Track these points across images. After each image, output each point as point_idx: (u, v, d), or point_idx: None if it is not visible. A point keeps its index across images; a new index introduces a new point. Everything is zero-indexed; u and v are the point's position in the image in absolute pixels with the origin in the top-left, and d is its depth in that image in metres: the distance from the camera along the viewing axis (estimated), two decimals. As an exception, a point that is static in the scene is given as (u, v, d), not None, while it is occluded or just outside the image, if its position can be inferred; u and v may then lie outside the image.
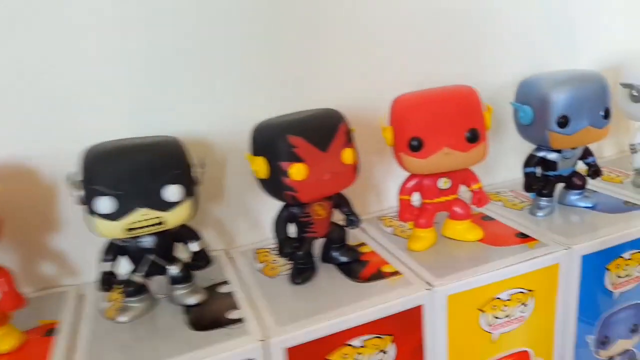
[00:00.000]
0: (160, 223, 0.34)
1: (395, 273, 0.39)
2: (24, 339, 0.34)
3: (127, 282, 0.37)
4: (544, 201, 0.46)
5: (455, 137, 0.38)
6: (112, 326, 0.36)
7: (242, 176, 0.45)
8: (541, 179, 0.46)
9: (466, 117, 0.38)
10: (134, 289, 0.37)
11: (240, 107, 0.44)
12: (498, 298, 0.39)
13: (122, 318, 0.36)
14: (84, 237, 0.42)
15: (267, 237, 0.48)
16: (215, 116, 0.44)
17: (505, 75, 0.51)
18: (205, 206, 0.45)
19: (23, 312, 0.35)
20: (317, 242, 0.41)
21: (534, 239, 0.42)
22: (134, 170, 0.33)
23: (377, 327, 0.35)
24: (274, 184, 0.37)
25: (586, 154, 0.46)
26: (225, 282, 0.40)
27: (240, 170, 0.45)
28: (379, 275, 0.39)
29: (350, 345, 0.35)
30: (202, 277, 0.40)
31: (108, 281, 0.36)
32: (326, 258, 0.42)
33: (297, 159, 0.35)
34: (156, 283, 0.38)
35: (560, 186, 0.47)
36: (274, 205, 0.39)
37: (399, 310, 0.35)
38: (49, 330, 0.36)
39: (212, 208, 0.46)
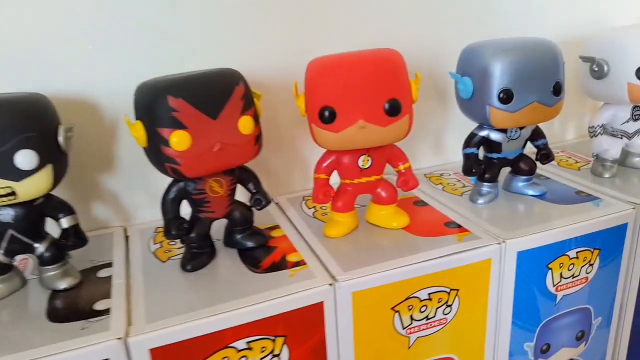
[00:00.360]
0: (11, 194, 0.29)
1: (300, 263, 0.34)
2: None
3: (-11, 260, 0.32)
4: (485, 187, 0.41)
5: (372, 109, 0.33)
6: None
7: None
8: (483, 162, 0.41)
9: (386, 86, 0.33)
10: (-4, 268, 0.32)
11: (135, 63, 0.38)
12: (415, 297, 0.34)
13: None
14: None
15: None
16: (108, 73, 0.38)
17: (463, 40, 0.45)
18: (97, 177, 0.40)
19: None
20: (220, 224, 0.36)
21: (464, 230, 0.37)
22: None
23: (266, 327, 0.30)
24: (154, 154, 0.31)
25: (536, 135, 0.41)
26: (108, 265, 0.35)
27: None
28: (280, 265, 0.34)
29: (232, 347, 0.30)
30: (83, 257, 0.35)
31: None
32: (229, 242, 0.37)
33: (178, 125, 0.30)
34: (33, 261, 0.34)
35: (505, 171, 0.42)
36: None
37: (293, 307, 0.31)
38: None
39: (106, 179, 0.40)
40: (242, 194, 0.36)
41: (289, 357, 0.31)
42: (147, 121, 0.31)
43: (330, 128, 0.33)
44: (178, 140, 0.30)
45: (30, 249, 0.32)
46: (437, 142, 0.50)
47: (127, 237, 0.39)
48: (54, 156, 0.30)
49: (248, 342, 0.30)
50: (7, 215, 0.31)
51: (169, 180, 0.34)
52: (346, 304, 0.32)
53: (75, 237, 0.33)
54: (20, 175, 0.29)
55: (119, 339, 0.27)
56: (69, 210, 0.33)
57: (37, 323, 0.29)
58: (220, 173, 0.34)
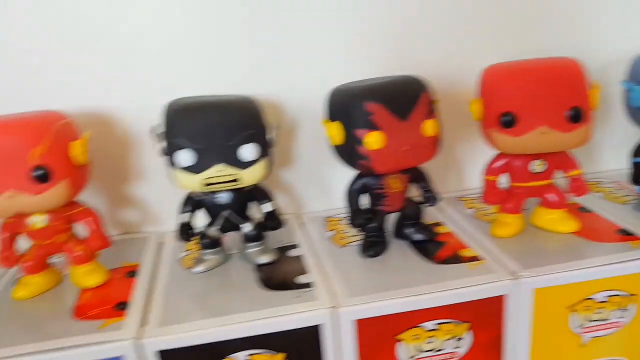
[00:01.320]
0: (235, 180, 0.34)
1: (475, 258, 0.36)
2: (108, 277, 0.37)
3: (203, 235, 0.38)
4: (654, 196, 0.41)
5: (554, 115, 0.34)
6: (187, 275, 0.37)
7: (317, 141, 0.45)
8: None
9: (569, 94, 0.34)
10: (209, 242, 0.38)
11: (316, 70, 0.43)
12: (591, 299, 0.35)
13: (197, 269, 0.37)
14: (166, 187, 0.44)
15: (338, 206, 0.47)
16: (290, 78, 0.43)
17: (616, 50, 0.45)
18: (278, 170, 0.46)
19: (108, 253, 0.38)
20: (391, 217, 0.39)
21: (638, 238, 0.37)
22: (212, 127, 0.34)
23: (453, 312, 0.33)
24: (348, 152, 0.35)
25: None
26: (294, 246, 0.40)
27: (314, 135, 0.45)
28: (456, 259, 0.36)
29: (422, 327, 0.33)
30: (272, 238, 0.41)
31: (185, 232, 0.37)
32: (399, 234, 0.40)
33: (373, 127, 0.34)
34: (230, 239, 0.39)
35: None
36: (348, 174, 0.37)
37: (478, 297, 0.33)
38: (131, 272, 0.38)
39: (284, 172, 0.46)
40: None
41: (471, 342, 0.34)
42: (344, 122, 0.35)
43: (511, 132, 0.35)
44: (372, 141, 0.34)
45: (238, 228, 0.38)
46: (590, 152, 0.50)
47: (301, 224, 0.44)
48: (267, 150, 0.36)
49: (437, 324, 0.33)
50: (225, 198, 0.37)
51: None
52: (527, 300, 0.34)
53: (275, 220, 0.38)
54: (244, 165, 0.34)
55: (332, 307, 0.32)
56: (270, 197, 0.38)
57: (255, 290, 0.34)
58: (400, 171, 0.37)
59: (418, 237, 0.39)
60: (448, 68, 0.44)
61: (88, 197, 0.39)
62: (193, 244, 0.42)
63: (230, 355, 0.31)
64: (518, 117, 0.35)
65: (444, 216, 0.44)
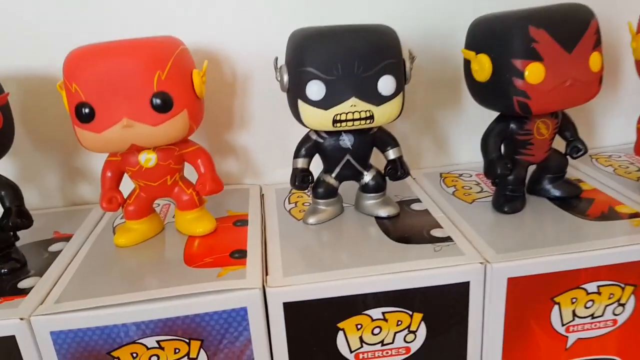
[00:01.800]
0: (369, 118, 0.30)
1: (637, 215, 0.31)
2: (216, 225, 0.33)
3: (317, 183, 0.34)
4: None
5: None
6: (300, 227, 0.34)
7: (431, 88, 0.41)
8: None
9: None
10: (324, 191, 0.34)
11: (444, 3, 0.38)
12: None
13: (311, 219, 0.34)
14: (269, 138, 0.40)
15: (453, 162, 0.43)
16: (415, 13, 0.39)
17: None
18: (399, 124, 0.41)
19: (211, 202, 0.35)
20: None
21: None
22: (349, 55, 0.29)
23: (617, 274, 0.28)
24: (498, 88, 0.31)
25: None
26: (417, 200, 0.36)
27: (429, 80, 0.40)
28: (613, 215, 0.32)
29: (583, 288, 0.29)
30: (389, 192, 0.37)
31: (303, 179, 0.33)
32: (535, 190, 0.35)
33: (537, 56, 0.29)
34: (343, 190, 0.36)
35: None
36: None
37: (647, 258, 0.28)
38: (239, 221, 0.35)
39: (395, 122, 0.42)
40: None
41: (634, 307, 0.29)
42: (498, 52, 0.30)
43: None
44: (533, 73, 0.29)
45: (358, 176, 0.34)
46: None
47: (414, 179, 0.40)
48: (402, 85, 0.31)
49: (598, 286, 0.29)
50: (348, 141, 0.33)
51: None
52: None
53: (401, 168, 0.34)
54: (381, 100, 0.30)
55: (482, 264, 0.28)
56: (395, 143, 0.34)
57: (383, 243, 0.31)
58: (548, 115, 0.33)
59: (557, 193, 0.35)
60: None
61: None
62: (298, 196, 0.38)
63: (365, 312, 0.27)
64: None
65: (581, 173, 0.39)
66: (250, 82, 0.39)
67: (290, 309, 0.27)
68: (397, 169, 0.33)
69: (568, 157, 0.35)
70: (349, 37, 0.30)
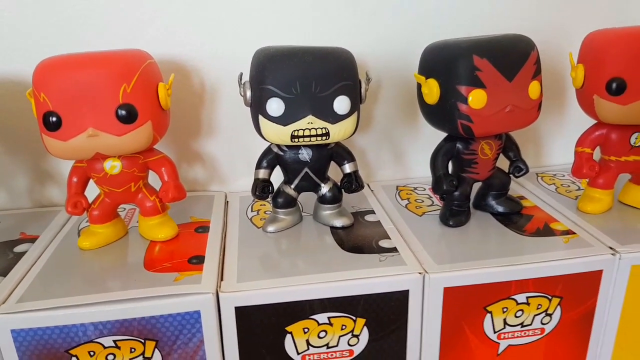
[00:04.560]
0: (325, 134, 0.33)
1: (568, 232, 0.34)
2: (178, 231, 0.35)
3: (278, 193, 0.36)
4: None
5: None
6: (259, 234, 0.36)
7: (391, 105, 0.43)
8: None
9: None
10: (284, 201, 0.36)
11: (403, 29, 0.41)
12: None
13: (270, 228, 0.36)
14: (235, 146, 0.42)
15: (409, 175, 0.46)
16: (375, 36, 0.41)
17: None
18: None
19: (175, 208, 0.36)
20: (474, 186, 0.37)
21: None
22: (307, 76, 0.32)
23: (546, 286, 0.31)
24: (445, 112, 0.33)
25: None
26: (371, 212, 0.38)
27: (389, 98, 0.43)
28: (548, 232, 0.34)
29: (514, 299, 0.31)
30: (346, 203, 0.39)
31: (263, 189, 0.35)
32: (479, 205, 0.38)
33: (479, 84, 0.32)
34: (303, 200, 0.38)
35: None
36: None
37: (574, 271, 0.31)
38: (200, 228, 0.36)
39: (356, 137, 0.44)
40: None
41: (560, 318, 0.32)
42: (445, 78, 0.33)
43: (618, 100, 0.33)
44: (476, 98, 0.32)
45: (316, 188, 0.36)
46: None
47: (372, 191, 0.42)
48: (358, 105, 0.34)
49: (527, 297, 0.31)
50: (307, 154, 0.35)
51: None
52: (624, 276, 0.32)
53: (356, 182, 0.36)
54: (336, 118, 0.32)
55: (420, 273, 0.30)
56: (352, 157, 0.36)
57: (334, 252, 0.33)
58: (492, 136, 0.35)
59: (501, 209, 0.37)
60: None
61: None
62: (261, 205, 0.40)
63: (311, 317, 0.29)
64: (628, 84, 0.33)
65: (525, 190, 0.41)
66: (219, 93, 0.41)
67: (242, 313, 0.28)
68: (352, 183, 0.36)
69: (511, 175, 0.37)
70: (308, 58, 0.32)
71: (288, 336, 0.29)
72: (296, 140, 0.32)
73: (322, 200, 0.36)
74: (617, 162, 0.36)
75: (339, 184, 0.36)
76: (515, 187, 0.42)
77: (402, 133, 0.44)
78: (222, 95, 0.41)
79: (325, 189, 0.36)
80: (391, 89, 0.42)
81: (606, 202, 0.37)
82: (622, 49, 0.33)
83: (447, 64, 0.33)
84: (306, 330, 0.29)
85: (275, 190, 0.36)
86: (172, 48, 0.39)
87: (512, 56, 0.32)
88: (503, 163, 0.37)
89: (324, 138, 0.33)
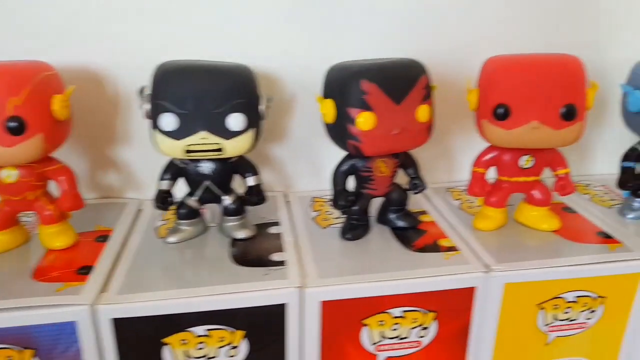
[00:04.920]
0: (219, 150, 0.34)
1: (452, 248, 0.36)
2: (76, 240, 0.36)
3: (180, 204, 0.37)
4: (637, 202, 0.41)
5: (548, 111, 0.34)
6: (160, 245, 0.36)
7: (312, 119, 0.44)
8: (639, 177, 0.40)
9: (564, 91, 0.34)
10: (186, 212, 0.37)
11: (317, 46, 0.42)
12: (561, 297, 0.35)
13: (171, 238, 0.37)
14: (151, 153, 0.43)
15: (327, 186, 0.47)
16: (290, 52, 0.42)
17: (620, 52, 0.44)
18: (270, 144, 0.45)
19: (82, 216, 0.37)
20: (376, 201, 0.39)
21: (616, 241, 0.37)
22: (200, 92, 0.32)
23: (420, 301, 0.33)
24: (339, 131, 0.35)
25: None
26: (276, 223, 0.39)
27: (311, 112, 0.44)
28: (434, 247, 0.36)
29: (388, 313, 0.33)
30: (255, 214, 0.40)
31: (163, 200, 0.36)
32: (382, 219, 0.39)
33: (366, 107, 0.33)
34: (211, 211, 0.39)
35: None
36: (340, 154, 0.37)
37: (447, 288, 0.33)
38: (101, 237, 0.37)
39: (277, 148, 0.45)
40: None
41: (436, 332, 0.34)
42: (338, 100, 0.34)
43: (503, 125, 0.35)
44: (364, 121, 0.33)
45: (218, 200, 0.37)
46: (585, 154, 0.50)
47: (287, 202, 0.44)
48: (256, 122, 0.35)
49: (403, 311, 0.33)
50: (207, 168, 0.36)
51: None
52: (497, 294, 0.33)
53: (257, 195, 0.37)
54: (230, 134, 0.33)
55: (297, 287, 0.31)
56: (255, 171, 0.37)
57: (223, 264, 0.34)
58: (389, 155, 0.36)
59: (400, 223, 0.39)
60: (450, 56, 0.43)
61: (70, 156, 0.38)
62: (171, 214, 0.41)
63: (189, 329, 0.31)
64: (511, 110, 0.34)
65: (430, 205, 0.43)
66: (134, 100, 0.42)
67: (120, 324, 0.29)
68: (254, 196, 0.37)
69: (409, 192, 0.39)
70: (203, 75, 0.33)
71: (166, 348, 0.30)
72: (190, 154, 0.33)
73: (225, 212, 0.37)
74: (509, 183, 0.38)
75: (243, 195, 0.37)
76: (423, 201, 0.44)
77: (319, 143, 0.45)
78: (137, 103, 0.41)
79: (227, 201, 0.37)
80: (307, 103, 0.43)
81: (498, 220, 0.39)
82: (508, 76, 0.35)
83: (339, 86, 0.34)
84: (184, 341, 0.30)
85: (178, 202, 0.37)
86: (84, 57, 0.40)
87: (401, 81, 0.34)
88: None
89: (217, 153, 0.34)
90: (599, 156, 0.50)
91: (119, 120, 0.42)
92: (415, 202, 0.43)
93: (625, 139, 0.41)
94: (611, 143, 0.48)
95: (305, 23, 0.42)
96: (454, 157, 0.48)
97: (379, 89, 0.33)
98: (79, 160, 0.42)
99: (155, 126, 0.33)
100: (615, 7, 0.45)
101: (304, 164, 0.45)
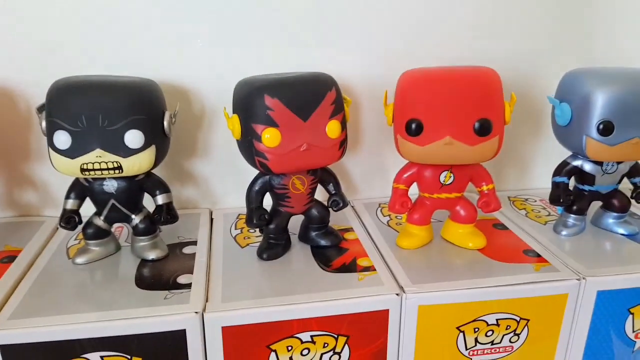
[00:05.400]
0: (117, 168, 0.32)
1: (370, 268, 0.34)
2: (-21, 261, 0.34)
3: (88, 224, 0.35)
4: (572, 219, 0.39)
5: (461, 126, 0.32)
6: (68, 265, 0.35)
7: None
8: (572, 193, 0.39)
9: (478, 105, 0.32)
10: (94, 232, 0.35)
11: (239, 60, 0.41)
12: (482, 320, 0.33)
13: (78, 259, 0.35)
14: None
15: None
16: (210, 67, 0.41)
17: (557, 63, 0.44)
18: (195, 160, 0.43)
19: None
20: (298, 219, 0.37)
21: (543, 260, 0.35)
22: (94, 109, 0.31)
23: (330, 325, 0.31)
24: (246, 147, 0.33)
25: (634, 171, 0.38)
26: (193, 243, 0.38)
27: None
28: (351, 267, 0.34)
29: (297, 338, 0.31)
30: (172, 233, 0.39)
31: (68, 220, 0.34)
32: (304, 238, 0.38)
33: (272, 123, 0.32)
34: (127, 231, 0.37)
35: (596, 205, 0.40)
36: None
37: (359, 310, 0.31)
38: (8, 257, 0.35)
39: (202, 164, 0.43)
40: (322, 194, 0.37)
41: (349, 357, 0.32)
42: (243, 116, 0.33)
43: (416, 141, 0.33)
44: (269, 137, 0.32)
45: (127, 219, 0.36)
46: (526, 167, 0.49)
47: (212, 219, 0.42)
48: (158, 138, 0.33)
49: (312, 336, 0.31)
50: (111, 186, 0.34)
51: (255, 172, 0.36)
52: (411, 316, 0.32)
53: (167, 214, 0.35)
54: (128, 152, 0.32)
55: (197, 313, 0.30)
56: (164, 189, 0.36)
57: (126, 287, 0.32)
58: (304, 172, 0.35)
59: (322, 242, 0.37)
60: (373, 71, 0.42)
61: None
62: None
63: (83, 355, 0.29)
64: (425, 126, 0.33)
65: (358, 222, 0.42)
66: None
67: (9, 351, 0.28)
68: (162, 215, 0.35)
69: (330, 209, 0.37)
70: (97, 92, 0.32)
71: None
72: (86, 173, 0.32)
73: (135, 231, 0.36)
74: (430, 199, 0.37)
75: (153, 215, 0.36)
76: (350, 218, 0.42)
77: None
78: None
79: (136, 220, 0.35)
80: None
81: (422, 238, 0.37)
82: (420, 91, 0.34)
83: (244, 102, 0.33)
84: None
85: (85, 222, 0.35)
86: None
87: (306, 96, 0.32)
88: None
89: (117, 171, 0.32)
90: (540, 169, 0.48)
91: (32, 136, 0.41)
92: (343, 217, 0.42)
93: (566, 152, 0.40)
94: (552, 156, 0.46)
95: (229, 37, 0.40)
96: (389, 171, 0.46)
97: (283, 105, 0.32)
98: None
99: (49, 144, 0.32)
100: (553, 18, 0.44)
101: (231, 180, 0.44)
